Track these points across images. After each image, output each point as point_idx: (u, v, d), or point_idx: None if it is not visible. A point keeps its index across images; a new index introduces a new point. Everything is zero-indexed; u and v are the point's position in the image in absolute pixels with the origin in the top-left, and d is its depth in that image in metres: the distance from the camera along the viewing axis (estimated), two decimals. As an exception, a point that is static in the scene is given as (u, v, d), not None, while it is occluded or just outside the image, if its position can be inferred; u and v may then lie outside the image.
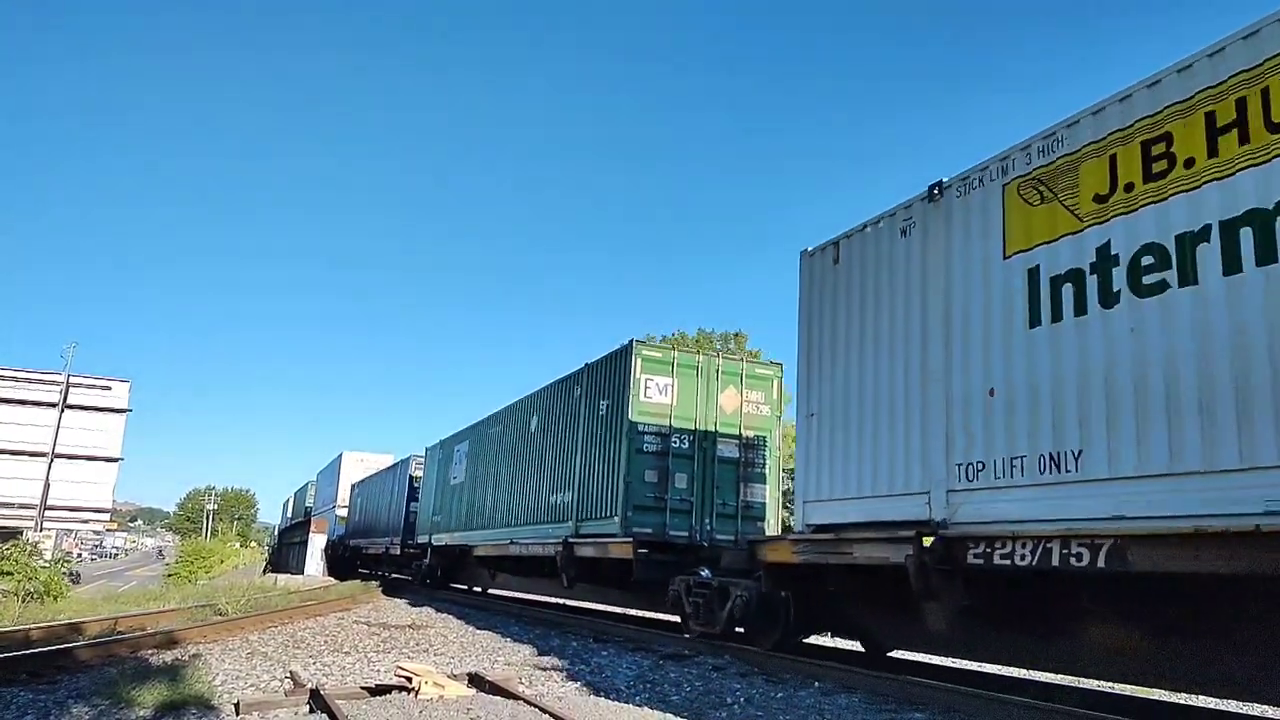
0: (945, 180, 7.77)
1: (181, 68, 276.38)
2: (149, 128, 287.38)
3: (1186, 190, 5.71)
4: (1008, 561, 6.32)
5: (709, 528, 12.82)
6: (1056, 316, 6.46)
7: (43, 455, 24.07)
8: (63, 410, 24.47)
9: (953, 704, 6.63)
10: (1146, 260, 5.89)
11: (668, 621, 11.98)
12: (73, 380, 25.01)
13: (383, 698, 6.61)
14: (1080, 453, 6.11)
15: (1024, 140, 7.03)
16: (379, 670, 8.21)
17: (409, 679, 6.93)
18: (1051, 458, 6.30)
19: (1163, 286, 5.78)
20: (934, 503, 7.25)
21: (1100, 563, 5.69)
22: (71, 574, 28.57)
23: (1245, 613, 5.59)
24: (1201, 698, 7.45)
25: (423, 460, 25.72)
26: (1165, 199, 5.82)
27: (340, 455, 40.35)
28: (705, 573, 10.65)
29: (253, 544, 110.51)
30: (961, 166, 7.65)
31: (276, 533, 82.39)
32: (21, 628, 10.10)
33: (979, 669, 9.43)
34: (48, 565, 18.99)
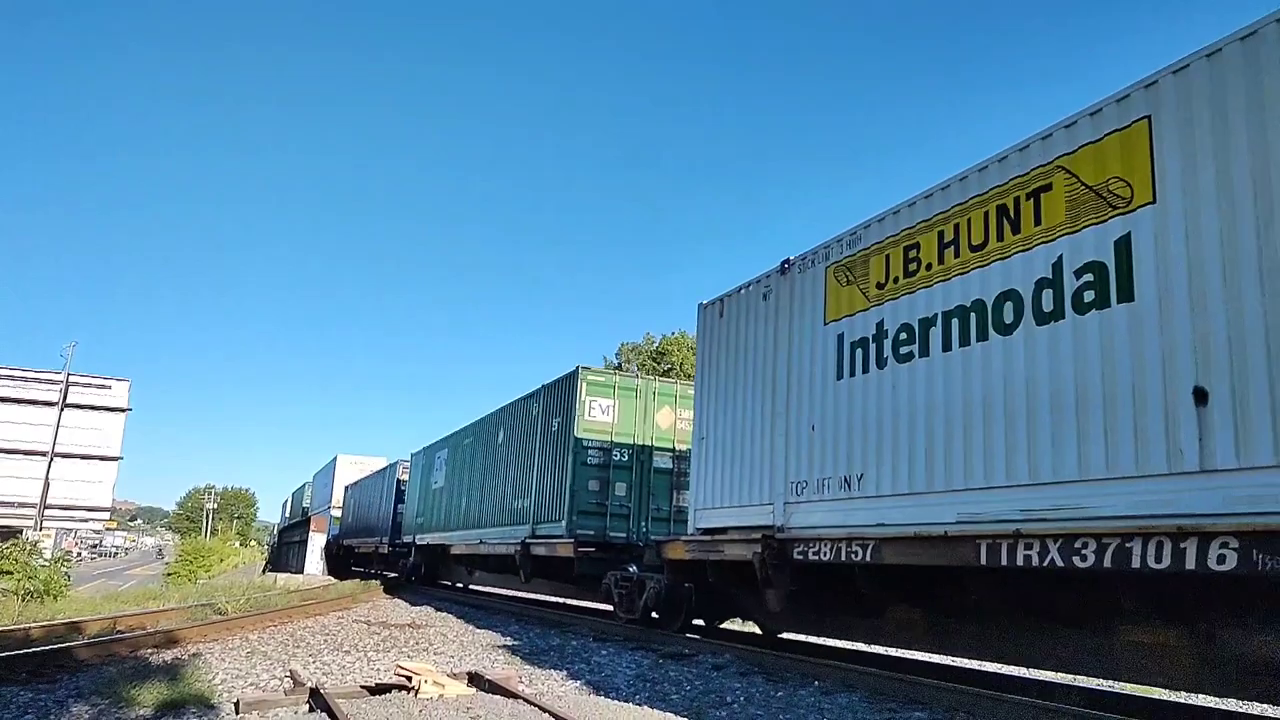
0: (791, 258, 9.71)
1: (182, 67, 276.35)
2: (149, 127, 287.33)
3: (925, 287, 7.75)
4: (817, 557, 8.43)
5: (644, 530, 14.47)
6: (852, 373, 8.49)
7: (42, 454, 24.06)
8: (62, 409, 24.46)
9: (954, 703, 6.62)
10: (902, 336, 7.93)
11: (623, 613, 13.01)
12: (72, 379, 25.00)
13: (382, 697, 6.60)
14: (861, 476, 8.20)
15: (840, 234, 8.96)
16: (379, 669, 8.21)
17: (409, 678, 6.92)
18: (845, 480, 8.41)
19: (910, 356, 7.80)
20: (776, 512, 9.25)
21: (868, 558, 7.77)
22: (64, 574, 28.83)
23: (967, 596, 7.66)
24: (1200, 696, 7.45)
25: (409, 465, 27.35)
26: (914, 292, 7.87)
27: (335, 458, 41.91)
28: (632, 568, 12.55)
29: (252, 543, 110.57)
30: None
31: (276, 532, 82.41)
32: (21, 627, 10.10)
33: (979, 668, 9.43)
34: (47, 564, 18.97)
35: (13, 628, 10.00)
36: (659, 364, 45.95)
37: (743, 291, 10.66)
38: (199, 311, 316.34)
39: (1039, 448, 6.44)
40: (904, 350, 7.88)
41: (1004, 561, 6.41)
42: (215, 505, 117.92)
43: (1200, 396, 5.39)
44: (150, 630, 10.47)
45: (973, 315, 7.19)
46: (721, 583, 10.50)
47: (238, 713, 5.98)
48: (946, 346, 7.41)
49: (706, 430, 10.97)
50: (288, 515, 71.86)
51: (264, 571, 48.30)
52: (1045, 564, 6.08)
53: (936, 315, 7.55)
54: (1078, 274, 6.34)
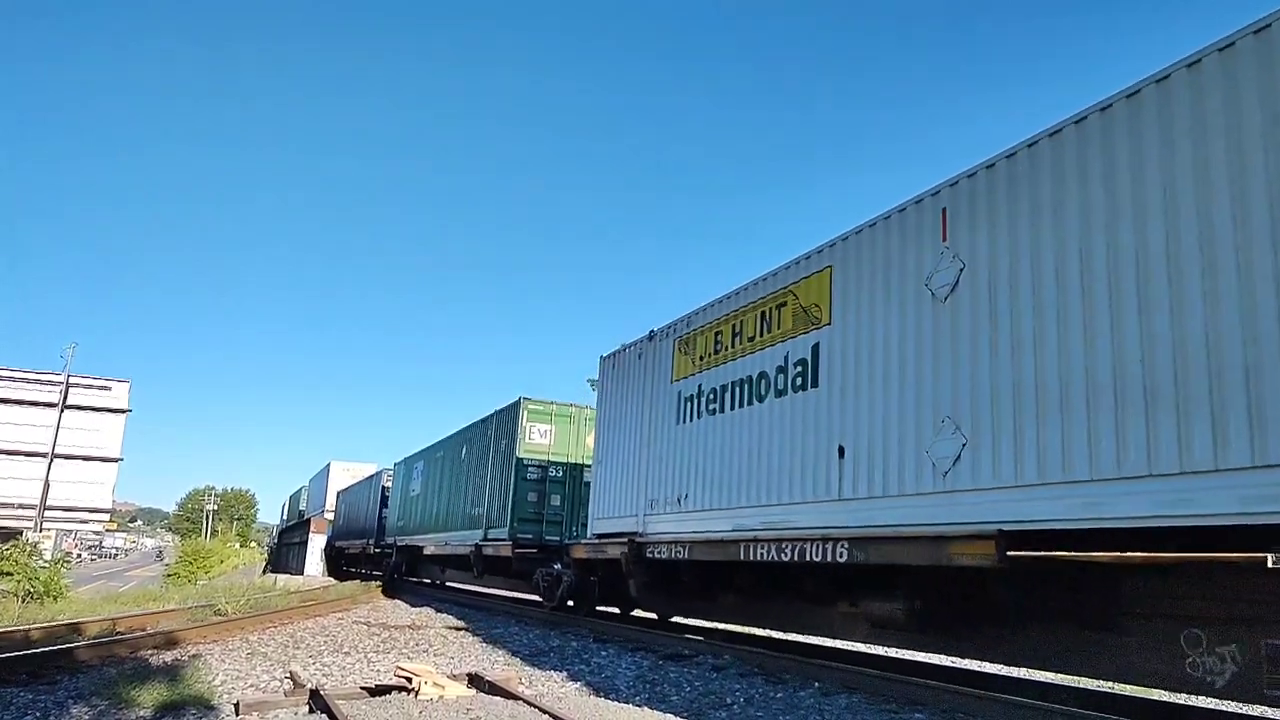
0: (654, 330, 12.64)
1: (183, 66, 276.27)
2: (150, 127, 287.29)
3: (724, 363, 10.60)
4: (660, 556, 11.29)
5: (575, 534, 16.74)
6: (686, 420, 11.32)
7: (42, 455, 24.05)
8: (62, 410, 24.45)
9: (953, 704, 6.62)
10: (712, 396, 10.76)
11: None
12: (72, 380, 24.99)
13: (382, 698, 6.61)
14: (686, 496, 11.05)
15: (683, 315, 11.86)
16: (379, 670, 8.21)
17: (409, 679, 6.92)
18: (678, 499, 11.26)
19: (715, 411, 10.66)
20: (638, 522, 12.12)
21: (686, 556, 10.63)
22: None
23: (742, 580, 10.58)
24: (1199, 698, 7.44)
25: (392, 473, 29.89)
26: (718, 365, 10.73)
27: (329, 464, 45.15)
28: (556, 566, 15.00)
29: (252, 544, 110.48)
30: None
31: (276, 533, 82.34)
32: (21, 628, 10.09)
33: (979, 669, 9.43)
34: (47, 565, 18.96)
35: (13, 629, 10.00)
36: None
37: (626, 351, 13.57)
38: (199, 312, 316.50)
39: (774, 480, 9.35)
40: (712, 407, 10.82)
41: (754, 557, 9.27)
42: (215, 506, 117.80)
43: (840, 452, 8.34)
44: (150, 631, 10.47)
45: (746, 386, 10.12)
46: (608, 575, 13.36)
47: (237, 714, 5.98)
48: (733, 407, 10.32)
49: (601, 457, 13.94)
50: (286, 517, 71.88)
51: (264, 573, 48.28)
52: (771, 558, 8.99)
53: (730, 384, 10.47)
54: (795, 365, 9.31)
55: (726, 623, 12.25)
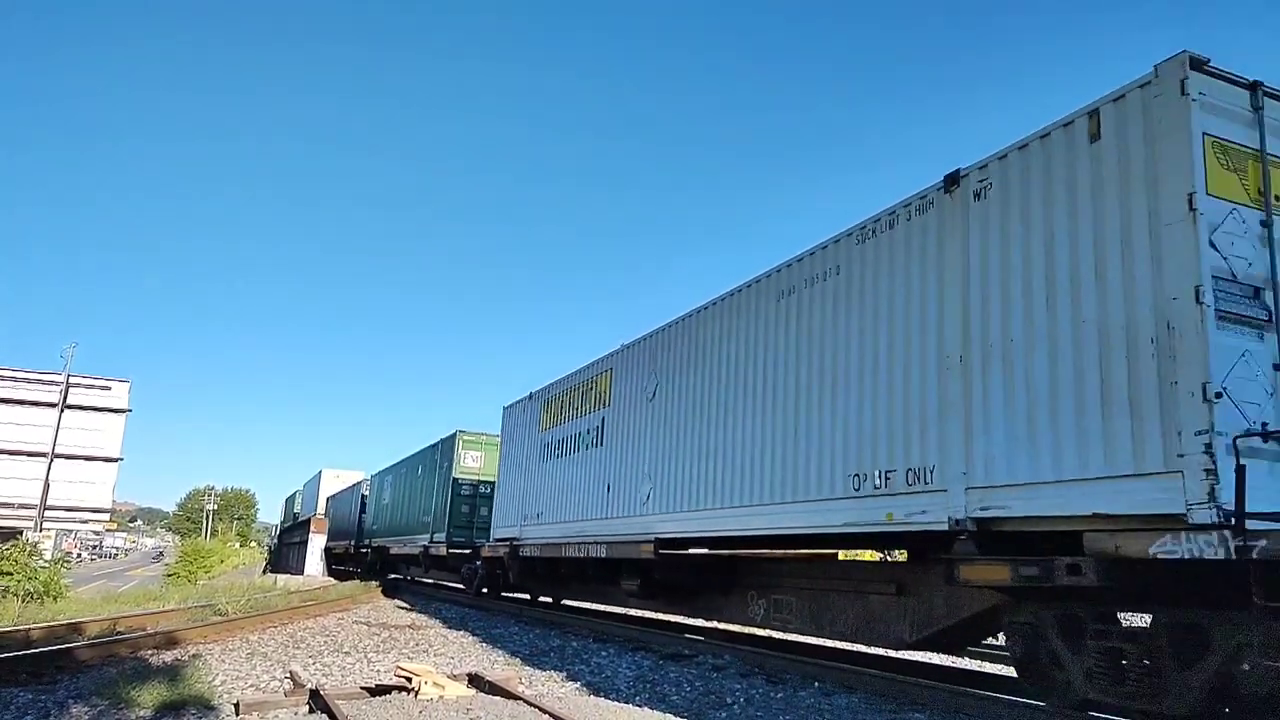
0: (533, 391, 17.28)
1: (183, 66, 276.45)
2: (150, 126, 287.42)
3: (564, 423, 15.23)
4: (524, 554, 16.30)
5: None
6: (544, 460, 15.91)
7: (42, 455, 24.04)
8: (62, 410, 24.43)
9: (953, 704, 6.63)
10: (557, 444, 15.37)
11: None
12: (72, 380, 24.98)
13: (383, 698, 6.61)
14: (541, 513, 15.60)
15: (549, 383, 16.51)
16: (379, 670, 8.21)
17: (409, 679, 6.92)
18: (537, 514, 15.82)
19: (559, 455, 15.20)
20: (518, 530, 16.80)
21: (539, 554, 15.47)
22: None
23: (570, 570, 14.94)
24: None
25: (370, 483, 34.77)
26: (561, 424, 15.38)
27: (320, 472, 49.81)
28: (477, 562, 19.49)
29: (252, 544, 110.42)
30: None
31: (276, 533, 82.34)
32: (21, 628, 10.09)
33: (979, 669, 9.43)
34: (47, 565, 18.96)
35: (13, 629, 9.99)
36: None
37: (517, 405, 18.30)
38: (199, 312, 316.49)
39: (578, 505, 14.09)
40: (557, 452, 15.50)
41: (567, 555, 14.03)
42: (215, 506, 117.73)
43: (608, 488, 12.89)
44: (150, 631, 10.46)
45: (572, 440, 14.80)
46: (501, 569, 18.00)
47: (238, 714, 5.98)
48: (566, 454, 15.02)
49: (500, 482, 18.89)
50: (284, 518, 72.04)
51: (264, 572, 48.30)
52: (575, 555, 13.62)
53: (566, 437, 15.17)
54: (593, 431, 13.95)
55: (561, 599, 17.55)
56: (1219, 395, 5.06)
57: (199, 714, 6.00)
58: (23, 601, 15.49)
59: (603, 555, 12.51)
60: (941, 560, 6.90)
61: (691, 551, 10.96)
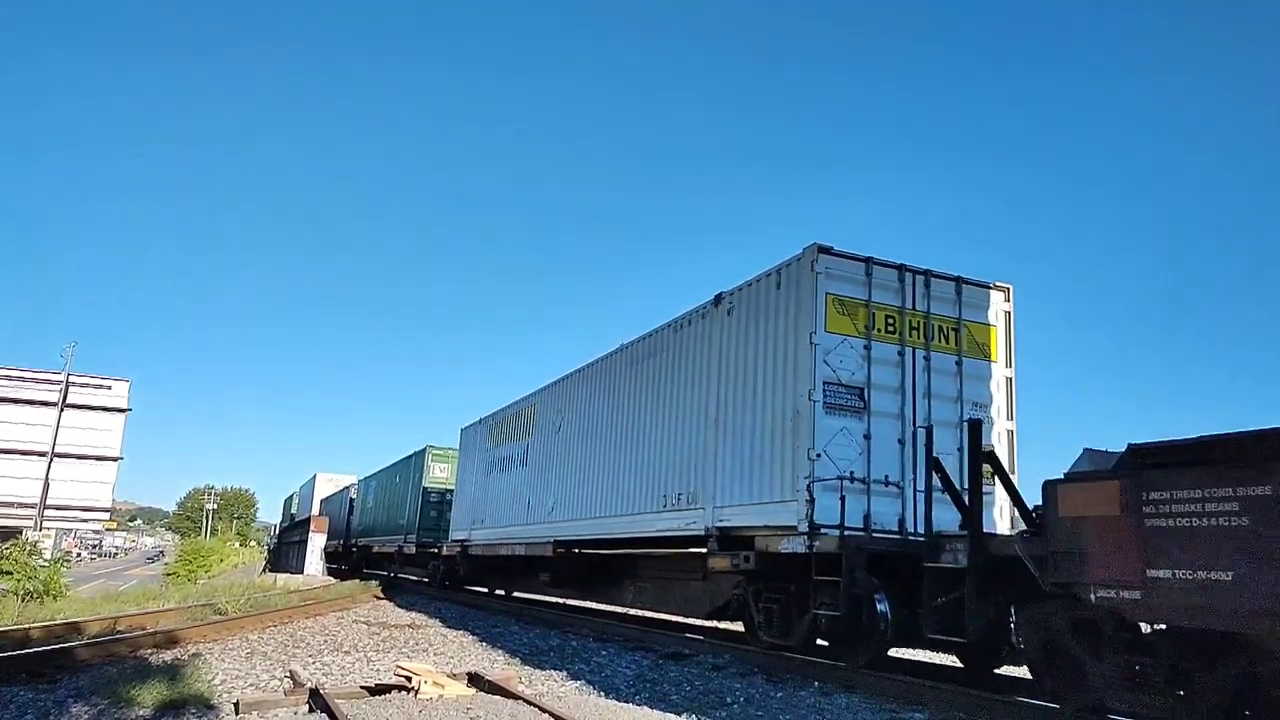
0: (483, 416, 21.10)
1: (183, 67, 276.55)
2: (149, 126, 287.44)
3: (503, 444, 19.31)
4: (471, 554, 20.42)
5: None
6: (489, 474, 19.85)
7: (42, 455, 24.05)
8: (62, 410, 24.45)
9: (953, 704, 6.63)
10: (498, 462, 19.33)
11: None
12: (72, 380, 24.98)
13: (382, 697, 6.61)
14: (485, 519, 19.54)
15: (497, 409, 20.14)
16: (379, 670, 8.21)
17: (409, 678, 6.92)
18: (482, 519, 19.73)
19: (502, 470, 18.98)
20: (469, 533, 20.47)
21: (482, 553, 19.73)
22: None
23: (507, 566, 18.78)
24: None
25: (358, 488, 38.96)
26: (501, 445, 19.41)
27: (314, 476, 52.96)
28: (439, 560, 23.30)
29: (252, 543, 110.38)
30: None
31: (276, 532, 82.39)
32: (21, 627, 10.09)
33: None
34: (47, 564, 18.97)
35: (13, 628, 9.99)
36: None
37: (471, 426, 22.14)
38: (199, 311, 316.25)
39: (515, 512, 17.29)
40: (498, 469, 19.11)
41: (505, 553, 17.56)
42: (215, 506, 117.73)
43: (527, 503, 16.72)
44: (150, 630, 10.46)
45: (507, 461, 18.38)
46: (455, 565, 21.67)
47: (237, 713, 5.98)
48: (502, 472, 18.69)
49: (456, 491, 22.76)
50: (283, 518, 72.32)
51: (264, 572, 48.33)
52: (506, 554, 17.57)
53: (504, 457, 18.79)
54: (521, 454, 17.62)
55: (496, 589, 21.40)
56: (819, 456, 8.66)
57: (199, 713, 6.00)
58: (22, 601, 15.50)
59: (523, 554, 16.67)
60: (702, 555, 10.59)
61: (576, 551, 14.95)
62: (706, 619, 11.44)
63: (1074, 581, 5.71)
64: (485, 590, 21.71)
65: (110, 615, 12.11)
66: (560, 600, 17.72)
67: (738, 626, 12.11)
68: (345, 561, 38.05)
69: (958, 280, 9.81)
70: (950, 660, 9.70)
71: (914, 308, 9.54)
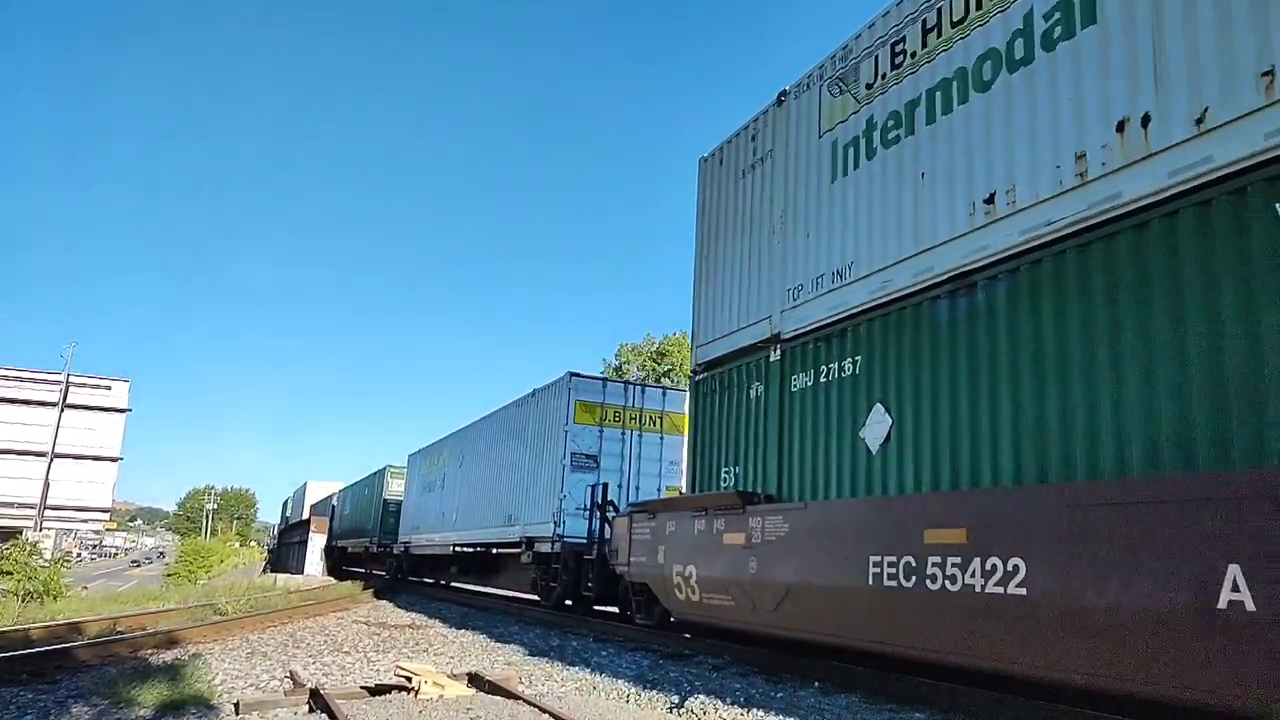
0: (422, 447, 27.78)
1: (183, 65, 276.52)
2: (149, 126, 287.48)
3: (434, 470, 26.27)
4: (413, 552, 26.12)
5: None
6: (424, 492, 26.62)
7: (43, 455, 24.07)
8: (62, 410, 24.48)
9: (953, 703, 6.63)
10: (430, 483, 25.88)
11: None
12: (72, 380, 25.01)
13: (382, 697, 6.61)
14: (419, 527, 25.80)
15: (433, 441, 26.53)
16: (379, 670, 8.21)
17: (409, 679, 6.93)
18: (417, 527, 26.10)
19: (430, 490, 25.88)
20: (411, 536, 26.15)
21: (421, 552, 25.24)
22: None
23: (450, 563, 23.50)
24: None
25: (339, 496, 44.07)
26: (433, 470, 25.98)
27: (305, 483, 58.78)
28: (393, 557, 28.32)
29: (252, 544, 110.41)
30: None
31: (276, 532, 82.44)
32: (21, 627, 10.09)
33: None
34: (47, 565, 18.98)
35: (13, 628, 10.00)
36: (659, 364, 45.63)
37: (418, 452, 26.88)
38: (199, 312, 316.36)
39: (436, 522, 24.13)
40: (428, 489, 25.67)
41: (429, 552, 24.16)
42: (215, 506, 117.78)
43: (443, 514, 23.63)
44: (150, 631, 10.46)
45: (435, 482, 25.47)
46: (402, 561, 26.96)
47: (238, 713, 5.98)
48: (432, 491, 25.27)
49: (404, 503, 27.59)
50: (280, 520, 72.63)
51: (264, 572, 48.37)
52: (441, 552, 22.87)
53: (433, 479, 25.20)
54: (442, 478, 23.81)
55: (427, 579, 26.32)
56: (565, 495, 14.98)
57: (199, 713, 6.01)
58: (22, 601, 15.50)
59: (439, 552, 23.05)
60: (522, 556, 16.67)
61: (464, 550, 21.07)
62: (528, 593, 17.91)
63: (617, 562, 11.42)
64: (430, 580, 26.49)
65: (110, 615, 12.12)
66: (466, 585, 23.27)
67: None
68: (329, 559, 44.04)
69: (663, 388, 17.10)
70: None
71: (632, 404, 16.07)
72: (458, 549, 21.11)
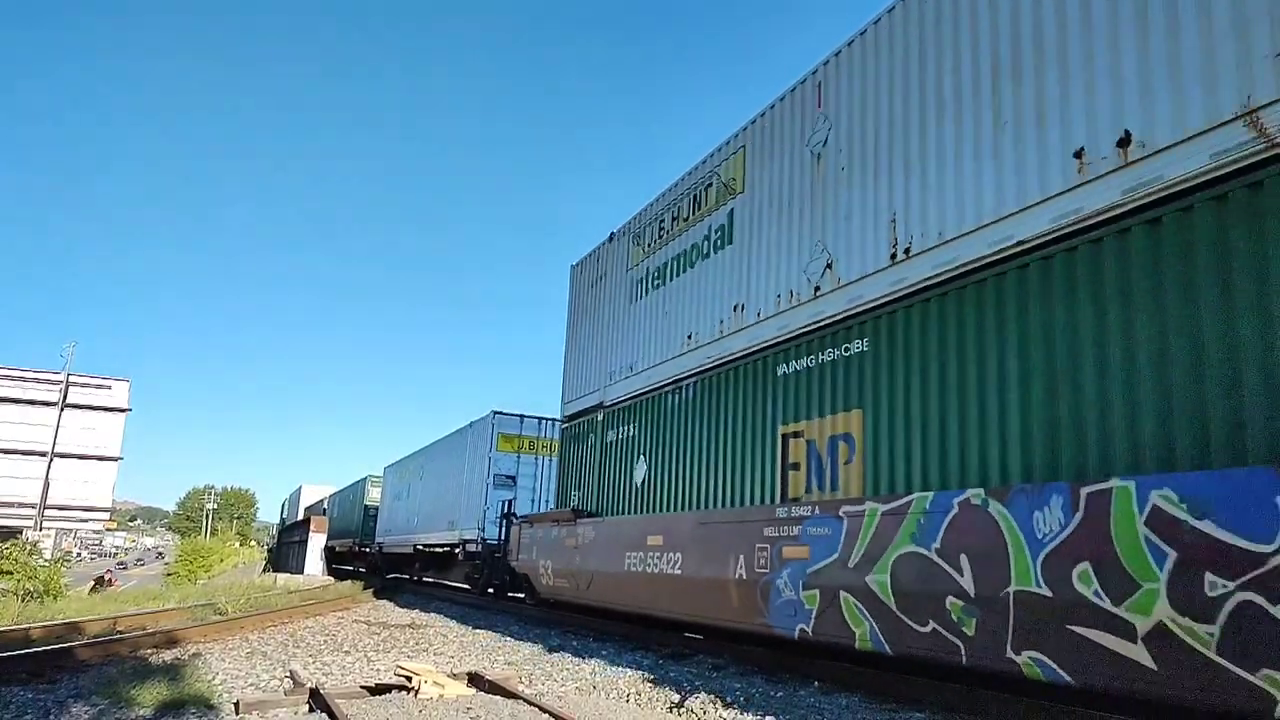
0: (393, 461, 32.96)
1: (184, 66, 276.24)
2: (150, 127, 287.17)
3: (404, 482, 30.48)
4: (386, 551, 30.77)
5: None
6: (395, 500, 31.93)
7: (43, 454, 24.06)
8: (62, 409, 24.46)
9: (953, 703, 6.62)
10: (399, 492, 30.83)
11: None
12: (72, 379, 25.00)
13: (382, 697, 6.61)
14: (391, 530, 30.85)
15: (405, 454, 31.67)
16: (379, 669, 8.20)
17: (409, 678, 6.93)
18: (389, 530, 30.94)
19: (399, 499, 30.69)
20: (385, 537, 31.26)
21: (390, 551, 30.18)
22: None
23: (414, 560, 28.07)
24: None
25: (329, 502, 48.98)
26: (403, 482, 30.66)
27: (300, 487, 62.11)
28: (372, 555, 33.77)
29: (252, 543, 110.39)
30: None
31: (276, 532, 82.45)
32: (21, 627, 10.09)
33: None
34: (47, 564, 18.98)
35: (13, 628, 9.99)
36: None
37: (392, 466, 32.09)
38: (199, 312, 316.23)
39: (403, 525, 28.87)
40: (397, 497, 31.00)
41: (398, 551, 28.72)
42: (215, 505, 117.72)
43: (408, 518, 28.34)
44: (150, 630, 10.46)
45: (404, 491, 30.21)
46: (379, 559, 31.77)
47: (238, 713, 5.98)
48: (400, 499, 30.44)
49: (380, 508, 33.07)
50: (279, 521, 72.86)
51: (264, 571, 48.41)
52: (401, 551, 28.31)
53: (402, 490, 30.31)
54: (409, 490, 28.20)
55: (401, 575, 29.73)
56: (488, 508, 19.27)
57: (199, 713, 6.01)
58: (22, 601, 15.50)
59: (404, 551, 27.55)
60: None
61: (422, 549, 25.31)
62: (463, 584, 22.02)
63: (511, 559, 15.13)
64: (405, 576, 29.71)
65: (110, 615, 12.12)
66: (428, 579, 27.00)
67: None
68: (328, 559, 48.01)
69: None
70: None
71: (544, 436, 20.14)
72: (417, 548, 25.66)
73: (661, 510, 10.57)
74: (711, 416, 9.77)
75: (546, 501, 19.02)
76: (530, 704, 6.33)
